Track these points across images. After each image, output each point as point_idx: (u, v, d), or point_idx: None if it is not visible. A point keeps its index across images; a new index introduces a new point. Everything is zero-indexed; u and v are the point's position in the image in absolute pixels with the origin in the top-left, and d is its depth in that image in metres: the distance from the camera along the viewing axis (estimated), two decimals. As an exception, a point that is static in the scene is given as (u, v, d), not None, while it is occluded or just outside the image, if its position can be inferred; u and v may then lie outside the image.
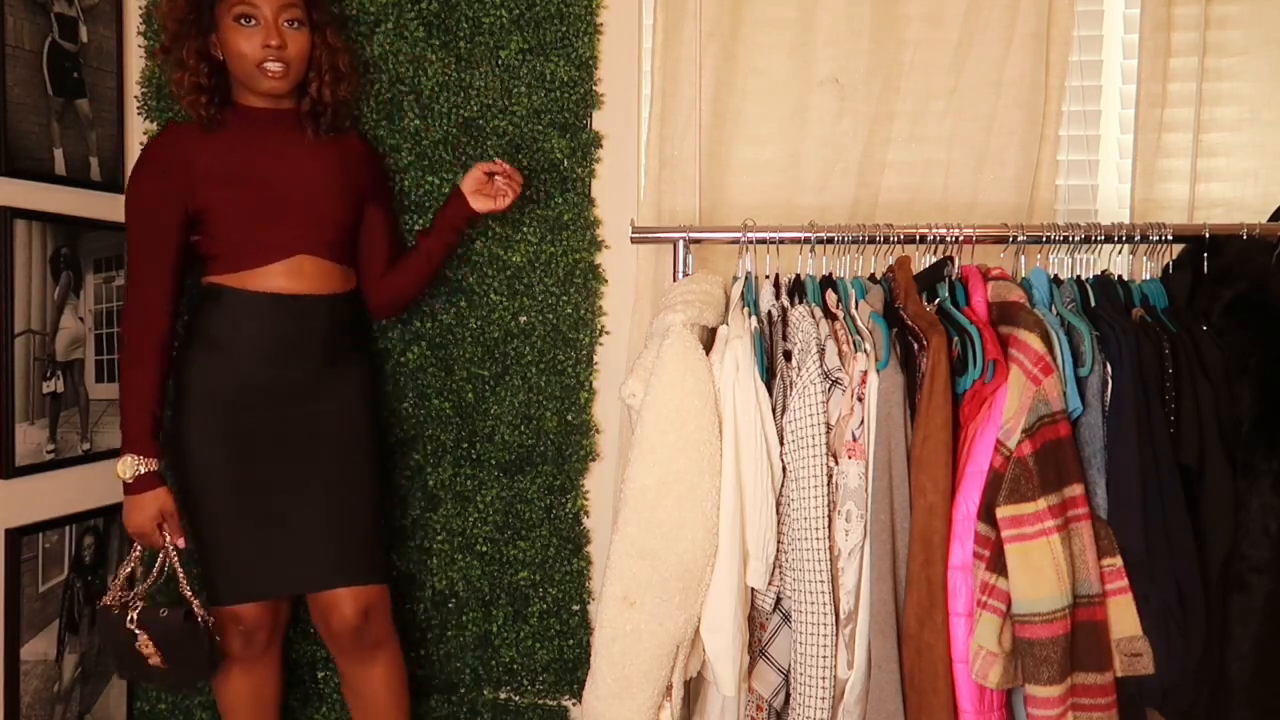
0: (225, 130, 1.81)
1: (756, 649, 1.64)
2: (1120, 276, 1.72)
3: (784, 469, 1.57)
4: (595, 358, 2.14)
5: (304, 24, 1.80)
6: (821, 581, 1.52)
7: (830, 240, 1.71)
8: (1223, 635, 1.54)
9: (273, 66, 1.76)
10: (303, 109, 1.87)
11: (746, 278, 1.73)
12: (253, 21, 1.75)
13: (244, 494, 1.80)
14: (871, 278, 1.75)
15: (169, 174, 1.78)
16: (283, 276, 1.81)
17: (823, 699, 1.53)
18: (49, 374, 1.97)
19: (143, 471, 1.74)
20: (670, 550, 1.50)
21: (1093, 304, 1.64)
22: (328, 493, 1.85)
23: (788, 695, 1.61)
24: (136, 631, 1.74)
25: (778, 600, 1.62)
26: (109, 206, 2.15)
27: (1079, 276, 1.73)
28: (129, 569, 1.82)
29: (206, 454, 1.79)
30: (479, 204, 1.91)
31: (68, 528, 2.02)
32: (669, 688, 1.58)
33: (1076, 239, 1.70)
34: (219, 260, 1.81)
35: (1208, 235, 1.66)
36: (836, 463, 1.55)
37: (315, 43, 1.83)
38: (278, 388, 1.82)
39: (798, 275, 1.75)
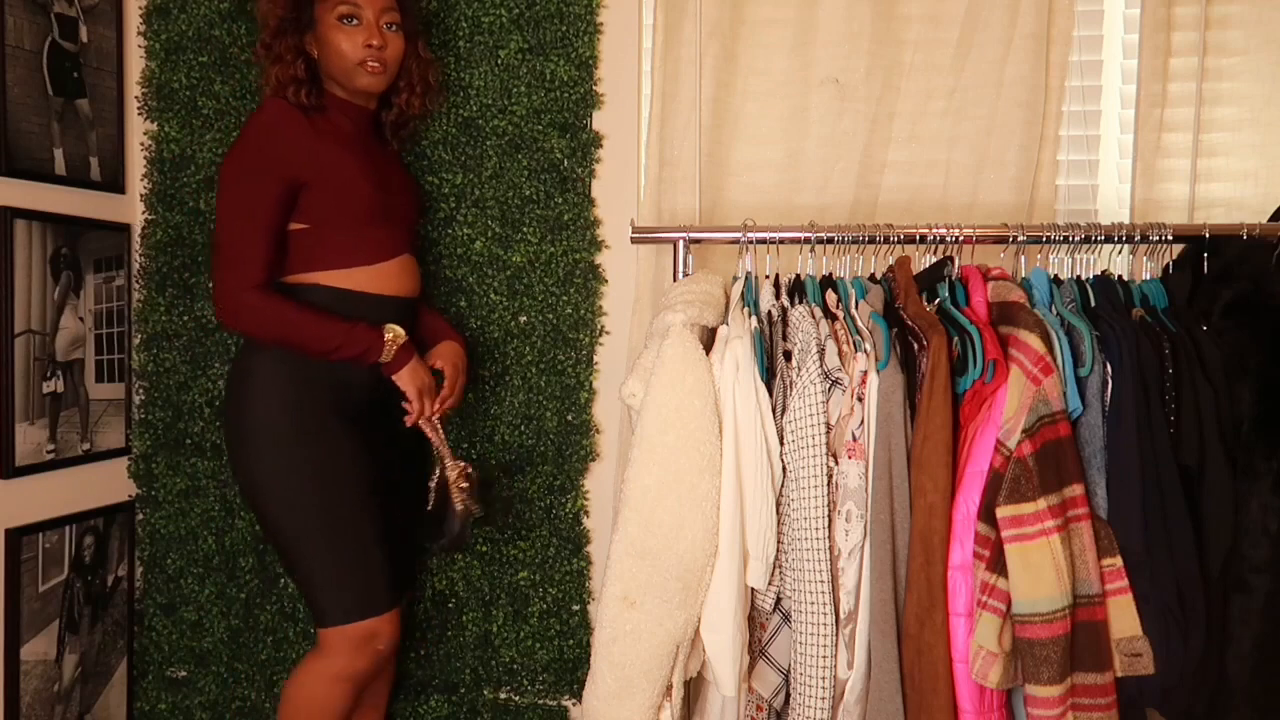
0: (323, 116, 1.80)
1: (756, 649, 1.64)
2: (1120, 276, 1.72)
3: (784, 469, 1.57)
4: (595, 358, 2.14)
5: (400, 28, 1.83)
6: (821, 581, 1.52)
7: (830, 240, 1.71)
8: (1223, 635, 1.54)
9: (373, 65, 1.78)
10: (388, 118, 1.91)
11: (746, 278, 1.73)
12: (355, 21, 1.77)
13: (367, 505, 1.76)
14: (871, 278, 1.75)
15: (283, 140, 1.73)
16: (394, 277, 1.81)
17: (823, 699, 1.53)
18: (49, 374, 1.97)
19: (404, 338, 1.77)
20: (670, 550, 1.50)
21: (1093, 304, 1.64)
22: (408, 500, 1.88)
23: (788, 695, 1.61)
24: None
25: (778, 600, 1.62)
26: (109, 206, 2.15)
27: (1079, 276, 1.73)
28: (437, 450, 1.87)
29: (344, 467, 1.74)
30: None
31: (68, 528, 2.02)
32: (669, 688, 1.58)
33: (1076, 239, 1.70)
34: (325, 256, 1.75)
35: (1208, 235, 1.66)
36: (836, 463, 1.55)
37: (408, 52, 1.86)
38: (382, 393, 1.80)
39: (798, 275, 1.75)
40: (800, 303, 1.67)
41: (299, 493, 1.72)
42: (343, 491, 1.74)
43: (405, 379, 1.77)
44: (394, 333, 1.75)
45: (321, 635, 1.74)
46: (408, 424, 1.81)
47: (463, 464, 1.86)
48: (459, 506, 1.83)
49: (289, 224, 1.74)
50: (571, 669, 2.16)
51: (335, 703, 1.76)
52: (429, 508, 1.87)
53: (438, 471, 1.86)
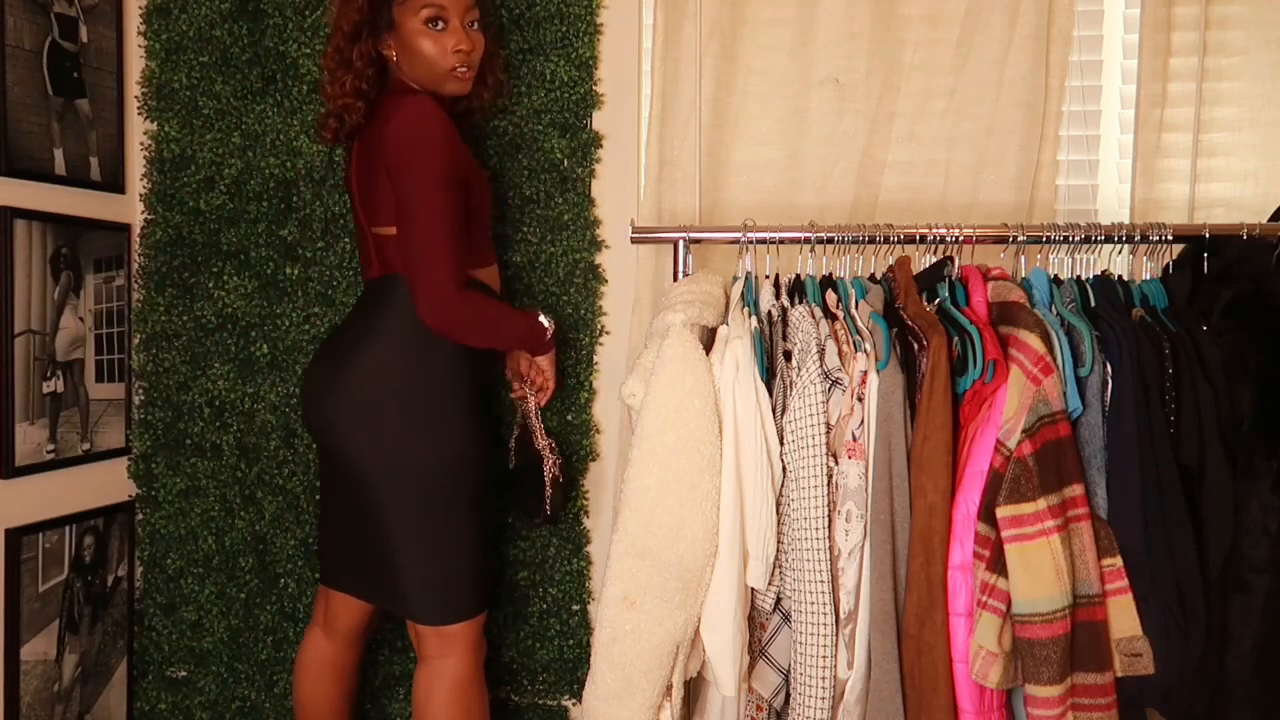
0: None
1: (756, 649, 1.64)
2: (1120, 276, 1.72)
3: (784, 469, 1.57)
4: (595, 358, 2.14)
5: (481, 25, 1.78)
6: (821, 581, 1.52)
7: (830, 240, 1.71)
8: (1223, 635, 1.54)
9: (461, 70, 1.73)
10: (457, 109, 1.87)
11: (746, 278, 1.73)
12: (441, 25, 1.71)
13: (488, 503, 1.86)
14: (871, 278, 1.75)
15: (455, 138, 1.70)
16: (496, 273, 1.88)
17: (823, 699, 1.53)
18: (49, 374, 1.97)
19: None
20: (670, 550, 1.51)
21: (1093, 304, 1.64)
22: None
23: (788, 695, 1.61)
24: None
25: (778, 600, 1.62)
26: (109, 206, 2.15)
27: (1079, 276, 1.73)
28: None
29: (475, 449, 1.75)
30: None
31: (68, 528, 2.02)
32: (669, 688, 1.58)
33: (1076, 239, 1.70)
34: (472, 256, 1.77)
35: (1208, 235, 1.66)
36: (836, 463, 1.55)
37: (488, 49, 1.81)
38: (479, 384, 1.85)
39: (798, 275, 1.75)
40: (800, 303, 1.67)
41: (467, 477, 1.74)
42: (485, 471, 1.78)
43: (552, 360, 1.87)
44: (550, 319, 1.82)
45: (456, 632, 1.73)
46: (542, 403, 1.94)
47: (550, 441, 1.97)
48: (549, 476, 1.93)
49: None
50: (571, 669, 2.16)
51: (486, 700, 1.80)
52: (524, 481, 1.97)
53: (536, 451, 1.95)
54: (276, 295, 2.16)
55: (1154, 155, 1.95)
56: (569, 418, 2.14)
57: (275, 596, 2.18)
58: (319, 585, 1.89)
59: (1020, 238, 1.71)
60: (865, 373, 1.55)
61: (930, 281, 1.67)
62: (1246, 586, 1.52)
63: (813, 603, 1.52)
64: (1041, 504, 1.45)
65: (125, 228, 2.18)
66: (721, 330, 1.60)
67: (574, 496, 2.13)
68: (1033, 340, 1.49)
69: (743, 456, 1.54)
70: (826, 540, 1.53)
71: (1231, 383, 1.55)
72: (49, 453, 1.98)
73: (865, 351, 1.56)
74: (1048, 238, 1.70)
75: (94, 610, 2.10)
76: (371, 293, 1.78)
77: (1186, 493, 1.52)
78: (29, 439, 1.92)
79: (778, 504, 1.57)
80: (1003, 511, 1.46)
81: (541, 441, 1.94)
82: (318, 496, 2.15)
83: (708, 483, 1.51)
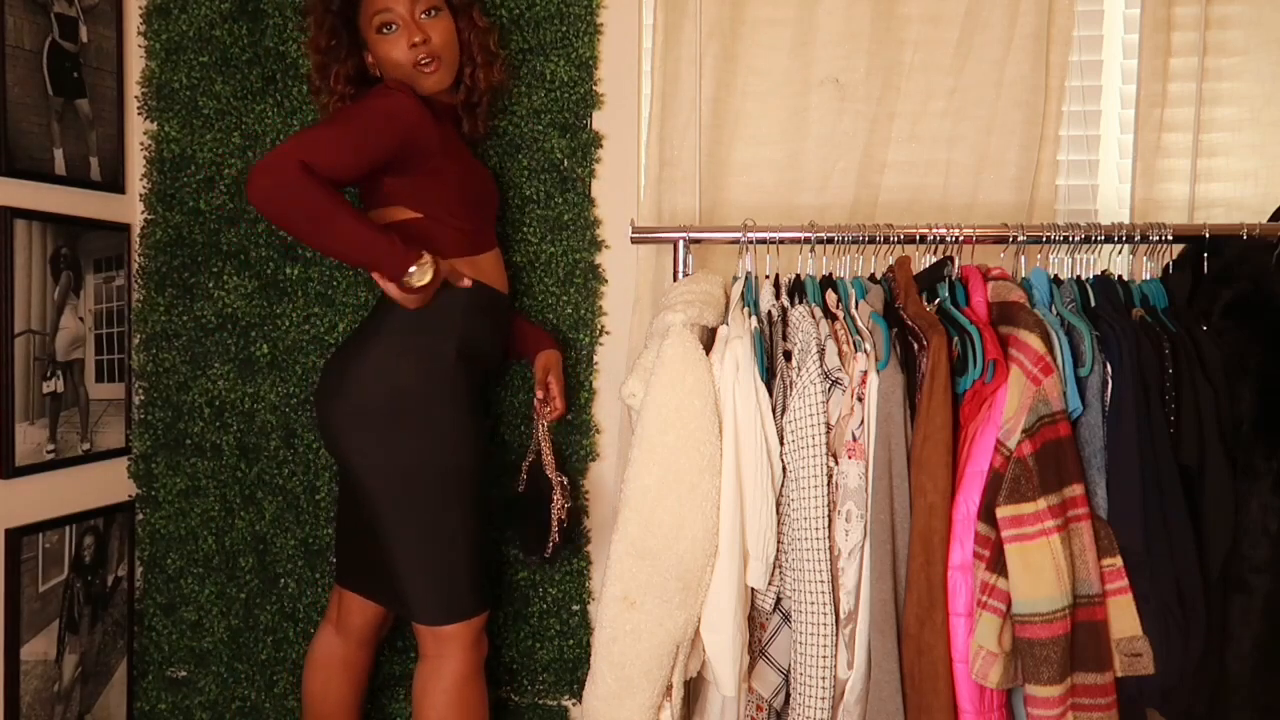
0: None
1: (756, 649, 1.64)
2: (1120, 276, 1.72)
3: (784, 469, 1.57)
4: (595, 358, 2.14)
5: (441, 9, 1.77)
6: (821, 581, 1.52)
7: (830, 240, 1.71)
8: (1223, 635, 1.54)
9: (426, 64, 1.73)
10: (459, 100, 1.87)
11: (746, 278, 1.73)
12: (393, 27, 1.73)
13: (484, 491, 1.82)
14: (871, 278, 1.75)
15: (414, 109, 1.68)
16: (492, 268, 1.82)
17: (823, 699, 1.53)
18: (49, 374, 1.97)
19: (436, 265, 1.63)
20: (670, 550, 1.51)
21: (1093, 304, 1.64)
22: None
23: (788, 695, 1.61)
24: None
25: (778, 600, 1.62)
26: (109, 206, 2.15)
27: (1079, 276, 1.73)
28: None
29: (469, 452, 1.73)
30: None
31: (68, 528, 2.02)
32: (669, 688, 1.58)
33: (1076, 239, 1.70)
34: (436, 247, 1.69)
35: (1208, 235, 1.66)
36: (836, 463, 1.55)
37: (461, 26, 1.80)
38: (477, 388, 1.81)
39: (798, 275, 1.75)
40: (800, 303, 1.67)
41: (461, 479, 1.72)
42: (480, 473, 1.77)
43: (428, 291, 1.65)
44: (421, 269, 1.61)
45: (453, 632, 1.72)
46: (547, 420, 1.94)
47: (563, 477, 1.94)
48: (555, 518, 1.91)
49: (400, 211, 1.71)
50: (571, 669, 2.16)
51: (484, 699, 1.79)
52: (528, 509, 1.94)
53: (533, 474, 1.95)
54: (276, 295, 2.16)
55: (1154, 155, 1.95)
56: (569, 418, 2.13)
57: (275, 596, 2.18)
58: (335, 583, 1.92)
59: (1020, 238, 1.71)
60: (865, 373, 1.55)
61: (930, 281, 1.67)
62: (1246, 586, 1.52)
63: (813, 603, 1.52)
64: (1041, 504, 1.45)
65: (125, 228, 2.18)
66: (721, 330, 1.60)
67: (576, 539, 2.11)
68: (1033, 340, 1.49)
69: (743, 456, 1.54)
70: (826, 540, 1.53)
71: (1231, 383, 1.55)
72: (49, 453, 1.98)
73: (865, 351, 1.56)
74: (1048, 238, 1.70)
75: (94, 610, 2.10)
76: (380, 298, 1.80)
77: (1186, 493, 1.52)
78: (29, 439, 1.92)
79: (778, 504, 1.57)
80: (1003, 511, 1.46)
81: (552, 473, 1.92)
82: (317, 496, 2.16)
83: (708, 483, 1.51)
